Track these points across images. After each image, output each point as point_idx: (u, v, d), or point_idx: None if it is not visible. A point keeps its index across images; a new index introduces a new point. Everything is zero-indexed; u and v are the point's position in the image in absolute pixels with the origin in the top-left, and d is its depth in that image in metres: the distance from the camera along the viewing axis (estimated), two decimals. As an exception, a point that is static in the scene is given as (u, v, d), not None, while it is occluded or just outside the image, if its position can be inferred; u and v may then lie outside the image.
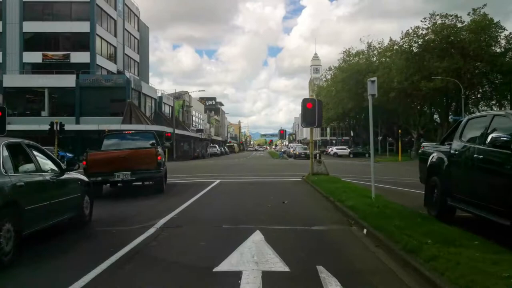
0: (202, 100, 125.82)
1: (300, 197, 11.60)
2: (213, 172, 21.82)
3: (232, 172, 21.40)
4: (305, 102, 15.80)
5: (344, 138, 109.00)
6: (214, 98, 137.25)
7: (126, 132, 13.94)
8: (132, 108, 42.70)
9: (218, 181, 15.67)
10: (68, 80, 43.45)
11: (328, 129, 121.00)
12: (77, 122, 43.26)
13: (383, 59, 53.85)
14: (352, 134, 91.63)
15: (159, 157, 10.96)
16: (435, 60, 45.04)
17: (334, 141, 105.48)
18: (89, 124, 41.44)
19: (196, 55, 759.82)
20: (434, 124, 55.33)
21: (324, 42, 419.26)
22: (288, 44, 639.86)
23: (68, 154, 39.21)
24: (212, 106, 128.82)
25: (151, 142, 12.48)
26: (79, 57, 46.53)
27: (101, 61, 48.17)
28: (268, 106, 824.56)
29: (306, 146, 54.32)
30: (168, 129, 45.40)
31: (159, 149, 11.80)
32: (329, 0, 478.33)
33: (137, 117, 42.39)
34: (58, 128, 27.24)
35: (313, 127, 16.05)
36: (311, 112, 15.63)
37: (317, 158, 16.43)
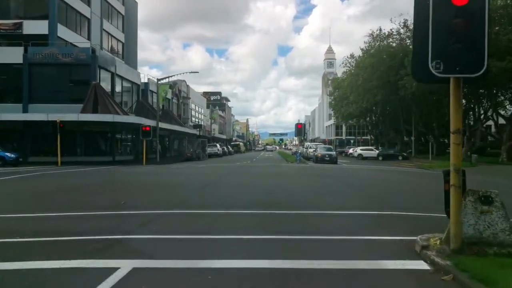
0: (206, 94, 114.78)
1: None
2: (161, 202, 10.17)
3: (208, 206, 9.75)
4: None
5: (363, 137, 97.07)
6: (220, 93, 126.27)
7: None
8: (98, 92, 31.61)
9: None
10: (13, 55, 32.53)
11: (344, 128, 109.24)
12: (25, 111, 32.30)
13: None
14: (372, 133, 79.63)
15: None
16: (506, 32, 33.42)
17: (352, 141, 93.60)
18: (36, 114, 30.46)
19: (206, 54, 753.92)
20: (487, 118, 43.60)
21: (334, 42, 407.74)
22: (298, 43, 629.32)
23: (8, 154, 28.45)
24: (217, 101, 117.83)
25: None
26: (35, 27, 35.54)
27: (65, 33, 37.13)
28: (277, 106, 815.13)
29: (331, 147, 42.60)
30: (149, 122, 34.30)
31: None
32: (340, 0, 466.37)
33: (104, 104, 31.28)
34: None
35: (469, 76, 4.63)
36: (462, 23, 4.30)
37: (477, 190, 4.87)
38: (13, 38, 35.06)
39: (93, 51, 33.30)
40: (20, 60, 32.36)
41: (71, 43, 36.77)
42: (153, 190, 13.03)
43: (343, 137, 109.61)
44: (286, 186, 14.51)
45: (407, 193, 12.96)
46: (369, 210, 8.83)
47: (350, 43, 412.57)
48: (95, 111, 30.99)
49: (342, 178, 18.25)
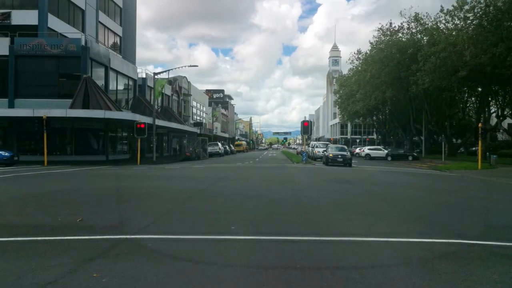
0: (209, 92, 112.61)
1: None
2: (114, 224, 7.35)
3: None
4: None
5: (369, 136, 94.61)
6: (222, 91, 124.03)
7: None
8: (89, 87, 29.39)
9: None
10: (-1, 46, 30.45)
11: (349, 127, 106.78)
12: (11, 106, 30.15)
13: (444, 30, 39.49)
14: (379, 132, 77.15)
15: None
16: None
17: (358, 140, 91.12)
18: (21, 109, 28.32)
19: (212, 53, 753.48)
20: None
21: (339, 42, 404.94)
22: (303, 43, 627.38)
23: (2, 152, 26.18)
24: (220, 100, 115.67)
25: None
26: (24, 17, 33.35)
27: (56, 24, 34.92)
28: (281, 105, 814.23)
29: (344, 146, 39.72)
30: (145, 119, 32.10)
31: None
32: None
33: (96, 99, 29.06)
34: None
35: None
36: None
37: None
38: (1, 29, 32.96)
39: (84, 42, 31.08)
40: (6, 52, 30.22)
41: (62, 34, 34.47)
42: (117, 203, 10.16)
43: (348, 136, 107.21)
44: (301, 200, 11.32)
45: (454, 207, 10.49)
46: (428, 238, 6.45)
47: (355, 43, 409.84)
48: (85, 106, 28.82)
49: (363, 185, 15.72)
